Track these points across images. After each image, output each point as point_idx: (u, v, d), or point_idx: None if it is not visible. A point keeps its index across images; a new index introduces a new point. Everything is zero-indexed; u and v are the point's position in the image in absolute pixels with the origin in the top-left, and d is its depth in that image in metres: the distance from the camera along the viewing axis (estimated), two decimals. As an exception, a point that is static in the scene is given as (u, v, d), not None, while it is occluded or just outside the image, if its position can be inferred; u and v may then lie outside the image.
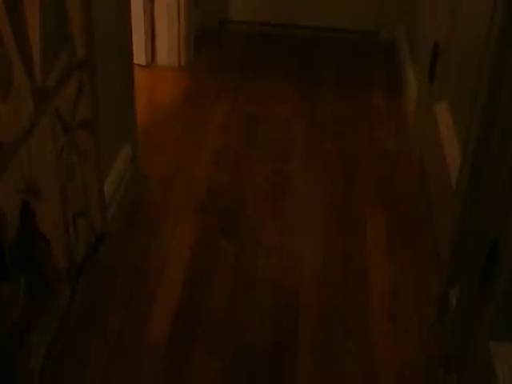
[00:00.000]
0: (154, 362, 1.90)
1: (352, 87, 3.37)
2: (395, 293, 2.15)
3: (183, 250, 2.28)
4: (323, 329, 2.03)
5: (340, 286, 2.17)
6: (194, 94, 3.24)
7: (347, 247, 2.33)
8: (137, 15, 3.30)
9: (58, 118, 1.74)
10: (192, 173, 2.66)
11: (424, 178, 2.63)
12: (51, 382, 1.79)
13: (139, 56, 3.41)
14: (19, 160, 1.52)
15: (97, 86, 1.99)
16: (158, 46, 3.49)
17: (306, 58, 3.64)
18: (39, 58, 1.57)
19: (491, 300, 1.61)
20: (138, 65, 3.40)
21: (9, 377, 1.57)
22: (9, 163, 1.47)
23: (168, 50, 3.49)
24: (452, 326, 1.89)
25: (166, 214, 2.43)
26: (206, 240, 2.33)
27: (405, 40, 3.45)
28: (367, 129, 3.01)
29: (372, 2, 3.83)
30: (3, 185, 1.45)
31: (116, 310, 2.05)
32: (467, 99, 2.14)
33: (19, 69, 1.47)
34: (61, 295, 1.87)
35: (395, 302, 2.12)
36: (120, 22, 2.35)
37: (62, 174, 1.81)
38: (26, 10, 1.48)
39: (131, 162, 2.53)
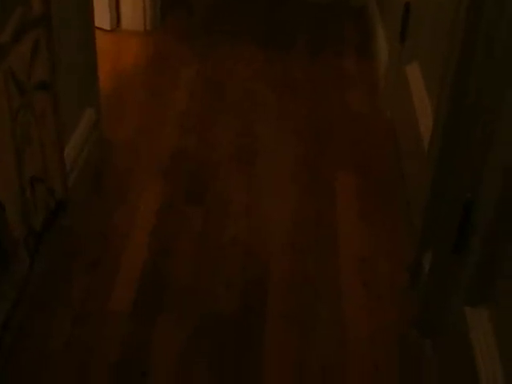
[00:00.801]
0: (118, 331, 1.83)
1: (323, 51, 3.29)
2: (367, 258, 2.10)
3: (149, 216, 2.20)
4: (293, 295, 1.97)
5: (311, 250, 2.12)
6: (160, 59, 3.15)
7: (318, 211, 2.28)
8: (100, -23, 3.19)
9: (12, 76, 1.65)
10: (157, 137, 2.58)
11: (395, 140, 2.58)
12: (10, 353, 1.72)
13: (103, 20, 3.30)
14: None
15: (55, 46, 1.90)
16: (123, 10, 3.38)
17: (276, 21, 3.55)
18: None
19: (465, 265, 1.56)
20: (102, 29, 3.30)
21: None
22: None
23: (133, 14, 3.38)
24: (425, 291, 1.84)
25: (131, 180, 2.36)
26: (171, 205, 2.26)
27: (375, 1, 3.38)
28: (338, 92, 2.94)
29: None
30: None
31: (79, 277, 1.98)
32: (439, 59, 2.08)
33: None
34: (19, 263, 1.79)
35: (367, 268, 2.07)
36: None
37: (18, 137, 1.73)
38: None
39: (94, 126, 2.44)
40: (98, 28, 3.25)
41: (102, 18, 3.28)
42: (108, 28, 3.34)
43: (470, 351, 1.43)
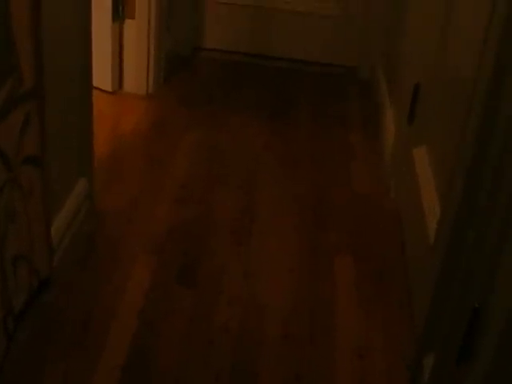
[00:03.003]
0: (96, 427, 1.71)
1: (328, 125, 3.21)
2: (365, 353, 1.98)
3: (137, 297, 2.09)
4: (285, 392, 1.85)
5: (305, 343, 2.00)
6: (161, 124, 3.08)
7: (315, 297, 2.16)
8: (104, 38, 3.15)
9: (0, 154, 1.57)
10: (153, 210, 2.49)
11: (399, 225, 2.48)
12: None
13: (105, 82, 3.24)
14: None
15: (48, 117, 1.82)
16: (126, 72, 3.33)
17: (281, 90, 3.50)
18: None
19: (471, 375, 1.45)
20: (104, 91, 3.24)
21: None
22: None
23: (136, 77, 3.33)
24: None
25: (122, 256, 2.25)
26: (162, 286, 2.15)
27: (384, 79, 3.32)
28: (342, 169, 2.86)
29: (353, 38, 3.71)
30: None
31: (58, 361, 1.86)
32: (448, 146, 2.00)
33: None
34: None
35: (365, 364, 1.95)
36: (79, 44, 2.16)
37: (2, 215, 1.63)
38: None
39: (86, 196, 2.35)
40: (99, 89, 3.21)
41: (104, 79, 3.23)
42: (110, 90, 3.27)
43: None
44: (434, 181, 2.16)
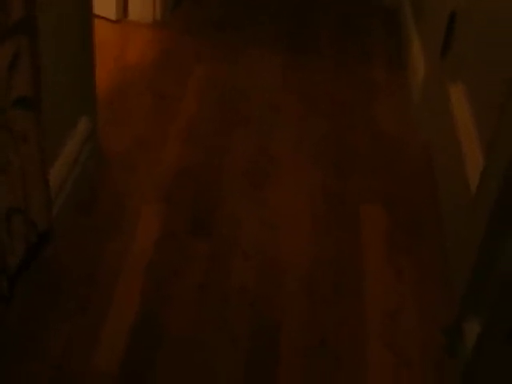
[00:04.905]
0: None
1: (350, 58, 2.95)
2: (395, 315, 1.80)
3: (145, 252, 1.91)
4: (308, 360, 1.68)
5: (330, 303, 1.82)
6: (169, 55, 2.83)
7: (339, 251, 1.98)
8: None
9: (-15, 95, 1.36)
10: (160, 152, 2.27)
11: (430, 170, 2.27)
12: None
13: (109, 9, 2.99)
14: None
15: (44, 52, 1.60)
16: (131, -2, 3.07)
17: (300, 19, 3.21)
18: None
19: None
20: (107, 19, 2.99)
21: None
22: None
23: (142, 3, 3.06)
24: (470, 372, 1.54)
25: (127, 204, 2.06)
26: (172, 237, 1.96)
27: (411, 6, 3.04)
28: (365, 107, 2.62)
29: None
30: None
31: (60, 327, 1.69)
32: (491, 84, 1.78)
33: None
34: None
35: (396, 328, 1.77)
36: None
37: (-9, 166, 1.43)
38: None
39: (89, 136, 2.14)
40: (103, 18, 2.96)
41: (107, 7, 2.98)
42: (114, 18, 3.02)
43: None
44: (474, 122, 1.94)
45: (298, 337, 1.73)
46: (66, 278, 1.81)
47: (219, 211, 2.07)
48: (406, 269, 1.93)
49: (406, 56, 2.89)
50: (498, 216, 1.53)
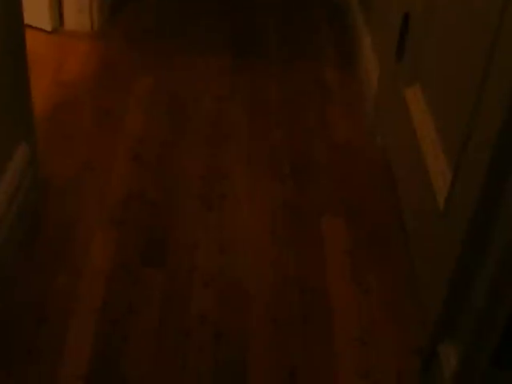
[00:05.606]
0: None
1: (300, 60, 2.84)
2: (366, 338, 1.71)
3: (96, 289, 1.77)
4: (278, 393, 1.58)
5: (297, 330, 1.72)
6: (110, 66, 2.69)
7: (303, 270, 1.88)
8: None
9: None
10: (107, 175, 2.14)
11: (390, 178, 2.18)
12: None
13: (42, 18, 2.84)
14: None
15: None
16: (66, 6, 2.91)
17: (244, 20, 3.10)
18: None
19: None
20: (42, 30, 2.84)
21: None
22: None
23: (78, 10, 2.91)
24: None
25: (74, 235, 1.92)
26: (124, 270, 1.84)
27: (359, 4, 2.95)
28: (319, 112, 2.52)
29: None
30: None
31: (7, 376, 1.55)
32: (451, 84, 1.70)
33: None
34: None
35: (366, 352, 1.68)
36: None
37: None
38: None
39: (29, 164, 2.00)
40: (36, 28, 2.81)
41: (41, 16, 2.82)
42: (48, 29, 2.87)
43: None
44: (434, 125, 1.85)
45: (266, 371, 1.62)
46: (7, 324, 1.67)
47: (173, 237, 1.95)
48: (373, 288, 1.84)
49: (357, 57, 2.80)
50: (476, 231, 1.43)
